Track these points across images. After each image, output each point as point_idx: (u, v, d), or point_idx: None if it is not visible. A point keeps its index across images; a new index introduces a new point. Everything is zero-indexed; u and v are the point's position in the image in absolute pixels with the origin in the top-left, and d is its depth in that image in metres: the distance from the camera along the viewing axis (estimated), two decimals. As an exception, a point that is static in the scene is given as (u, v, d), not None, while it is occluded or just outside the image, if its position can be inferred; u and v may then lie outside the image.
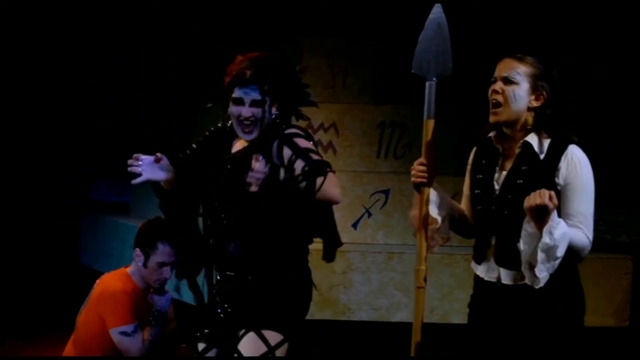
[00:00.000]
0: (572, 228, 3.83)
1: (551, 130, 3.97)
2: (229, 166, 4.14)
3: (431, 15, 4.11)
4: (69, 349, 5.17)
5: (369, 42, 7.93)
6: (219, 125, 4.30)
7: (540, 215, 3.67)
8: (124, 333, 4.93)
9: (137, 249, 5.03)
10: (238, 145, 4.22)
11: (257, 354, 4.02)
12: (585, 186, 3.91)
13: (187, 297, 7.25)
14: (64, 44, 9.43)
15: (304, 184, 3.93)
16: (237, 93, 4.09)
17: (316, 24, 8.22)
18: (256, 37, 8.43)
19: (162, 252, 4.97)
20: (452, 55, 4.11)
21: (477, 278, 4.13)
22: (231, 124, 4.19)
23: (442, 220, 4.09)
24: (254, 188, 3.89)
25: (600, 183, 6.65)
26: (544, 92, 3.98)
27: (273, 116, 4.13)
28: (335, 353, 6.96)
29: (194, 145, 4.30)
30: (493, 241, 4.01)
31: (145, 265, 5.00)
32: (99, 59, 9.61)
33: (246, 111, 4.07)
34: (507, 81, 3.96)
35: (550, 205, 3.64)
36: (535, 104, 3.98)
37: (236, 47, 9.16)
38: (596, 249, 7.18)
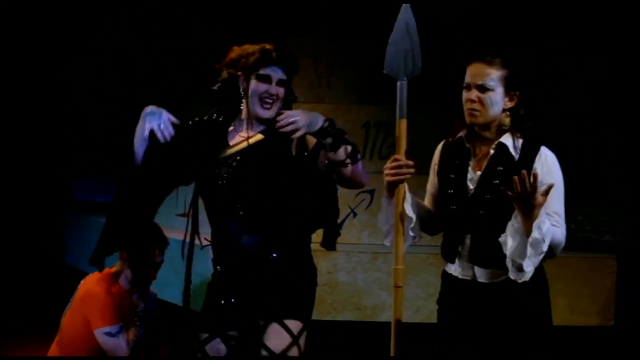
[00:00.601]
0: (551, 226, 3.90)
1: (524, 130, 4.02)
2: (238, 157, 4.16)
3: (400, 16, 4.13)
4: (53, 350, 5.16)
5: (354, 42, 7.93)
6: (212, 116, 4.32)
7: (527, 207, 3.72)
8: (108, 334, 4.92)
9: (122, 249, 5.02)
10: (239, 138, 4.23)
11: (284, 344, 4.07)
12: (558, 186, 3.95)
13: (171, 297, 7.25)
14: (52, 44, 9.41)
15: (349, 163, 4.05)
16: (264, 70, 4.18)
17: (301, 25, 8.21)
18: (241, 38, 8.42)
19: (147, 253, 4.96)
20: (421, 55, 4.11)
21: (448, 276, 4.15)
22: (224, 115, 4.22)
23: (415, 219, 4.11)
24: (298, 133, 3.99)
25: (585, 183, 6.67)
26: (517, 92, 4.04)
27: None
28: (321, 353, 6.95)
29: (184, 127, 4.29)
30: (467, 240, 4.04)
31: (129, 266, 4.99)
32: (85, 59, 9.58)
33: (274, 89, 4.17)
34: (482, 89, 4.00)
35: (540, 199, 3.71)
36: (509, 104, 4.04)
37: (221, 47, 9.16)
38: (581, 249, 7.26)
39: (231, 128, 4.26)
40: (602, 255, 7.33)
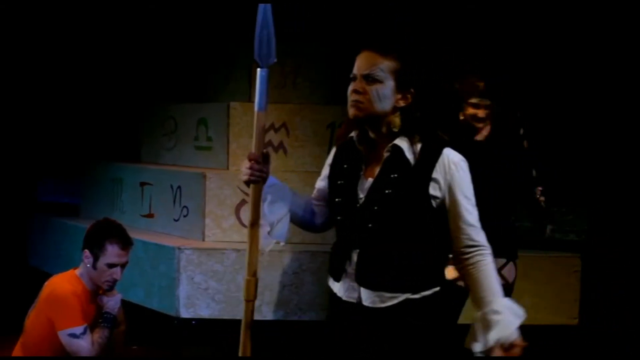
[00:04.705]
0: (482, 263, 3.54)
1: (422, 134, 3.57)
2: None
3: (259, 11, 3.82)
4: (17, 351, 5.13)
5: (319, 42, 7.93)
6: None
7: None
8: (72, 335, 4.89)
9: (86, 250, 5.00)
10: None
11: None
12: (468, 192, 3.58)
13: (136, 298, 7.22)
14: (10, 42, 9.33)
15: None
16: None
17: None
18: (207, 38, 8.40)
19: (111, 253, 4.94)
20: (275, 43, 3.80)
21: (333, 296, 3.68)
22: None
23: (277, 222, 3.70)
24: None
25: (550, 182, 6.70)
26: (412, 91, 3.58)
27: None
28: (287, 353, 6.95)
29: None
30: (355, 257, 3.58)
31: (94, 266, 4.97)
32: (46, 56, 9.51)
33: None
34: (370, 79, 3.53)
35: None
36: (402, 103, 3.57)
37: (184, 48, 9.14)
38: (545, 248, 7.30)
39: None
40: (567, 254, 7.39)
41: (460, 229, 3.57)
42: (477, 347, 3.54)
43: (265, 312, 6.98)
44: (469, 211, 3.57)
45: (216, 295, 6.92)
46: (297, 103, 7.87)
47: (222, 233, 7.28)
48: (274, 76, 8.01)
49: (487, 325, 3.52)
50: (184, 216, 7.62)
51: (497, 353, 3.49)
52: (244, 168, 3.64)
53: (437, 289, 3.59)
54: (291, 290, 6.99)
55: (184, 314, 7.00)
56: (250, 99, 7.79)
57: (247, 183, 3.65)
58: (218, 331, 6.81)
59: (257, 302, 7.04)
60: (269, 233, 3.71)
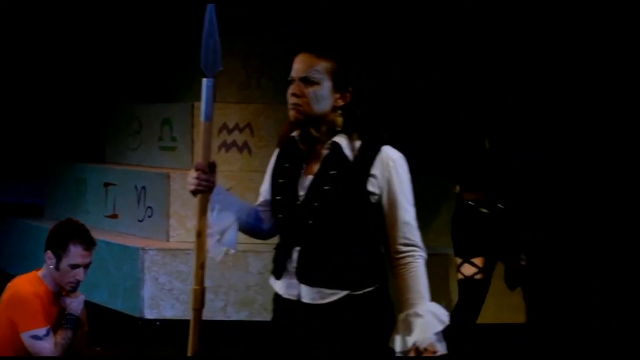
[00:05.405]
0: (412, 265, 3.53)
1: (363, 132, 3.58)
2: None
3: (206, 15, 3.76)
4: (-21, 354, 5.09)
5: (282, 42, 7.93)
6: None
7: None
8: (35, 337, 4.86)
9: (49, 251, 4.96)
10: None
11: None
12: (406, 190, 3.57)
13: (99, 298, 7.19)
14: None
15: None
16: None
17: (229, 24, 8.19)
18: (171, 39, 8.38)
19: (74, 254, 4.91)
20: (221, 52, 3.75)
21: (275, 295, 3.71)
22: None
23: (226, 231, 3.68)
24: None
25: (520, 181, 6.70)
26: (350, 90, 3.60)
27: None
28: (252, 354, 6.94)
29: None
30: (295, 255, 3.59)
31: (57, 267, 4.93)
32: (3, 59, 9.45)
33: None
34: (307, 81, 3.57)
35: None
36: (341, 103, 3.59)
37: (149, 48, 9.11)
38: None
39: None
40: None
41: (396, 227, 3.56)
42: (397, 347, 3.55)
43: (230, 312, 6.97)
44: (406, 209, 3.57)
45: (181, 296, 6.91)
46: (262, 103, 7.87)
47: (186, 233, 7.27)
48: (238, 77, 8.01)
49: (407, 327, 3.53)
50: (148, 216, 7.60)
51: (413, 354, 3.50)
52: (190, 178, 3.61)
53: (379, 285, 3.58)
54: (256, 290, 6.99)
55: (149, 314, 6.98)
56: (214, 98, 7.77)
57: (194, 193, 3.62)
58: (183, 332, 6.76)
59: (222, 303, 7.10)
60: (218, 242, 3.68)
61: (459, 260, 6.37)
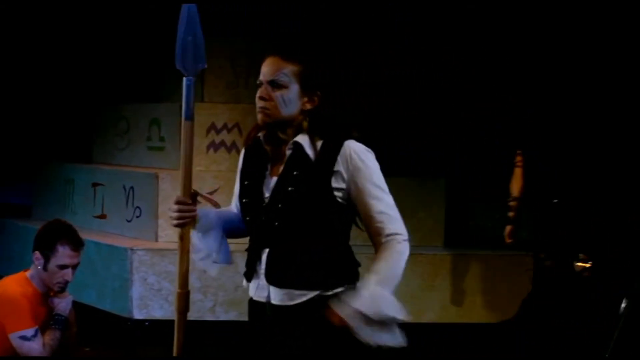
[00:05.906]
0: (388, 245, 3.47)
1: (325, 131, 3.55)
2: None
3: (182, 12, 3.77)
4: (-33, 355, 5.08)
5: (270, 42, 7.93)
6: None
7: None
8: (23, 337, 4.84)
9: (37, 251, 4.94)
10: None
11: None
12: (376, 180, 3.51)
13: (88, 299, 7.18)
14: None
15: None
16: None
17: (217, 25, 8.19)
18: (159, 38, 8.37)
19: (62, 255, 4.90)
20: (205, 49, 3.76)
21: (250, 298, 3.69)
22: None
23: (218, 249, 3.73)
24: None
25: (503, 180, 6.72)
26: (318, 93, 3.58)
27: None
28: (241, 354, 6.94)
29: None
30: (263, 256, 3.57)
31: (45, 268, 4.92)
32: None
33: None
34: (275, 85, 3.54)
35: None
36: (309, 106, 3.57)
37: (137, 48, 9.09)
38: (497, 247, 7.33)
39: None
40: (519, 253, 7.43)
41: (372, 218, 3.50)
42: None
43: (218, 312, 6.97)
44: (379, 198, 3.51)
45: (169, 296, 6.89)
46: (250, 103, 7.81)
47: (175, 234, 7.18)
48: (226, 77, 8.01)
49: (347, 294, 3.47)
50: (137, 217, 7.59)
51: (332, 318, 3.40)
52: (172, 212, 3.63)
53: (350, 285, 3.52)
54: (244, 290, 6.96)
55: (137, 315, 6.97)
56: (202, 98, 7.78)
57: (179, 227, 3.67)
58: (171, 332, 6.76)
59: (210, 303, 7.09)
60: (214, 262, 3.74)
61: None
